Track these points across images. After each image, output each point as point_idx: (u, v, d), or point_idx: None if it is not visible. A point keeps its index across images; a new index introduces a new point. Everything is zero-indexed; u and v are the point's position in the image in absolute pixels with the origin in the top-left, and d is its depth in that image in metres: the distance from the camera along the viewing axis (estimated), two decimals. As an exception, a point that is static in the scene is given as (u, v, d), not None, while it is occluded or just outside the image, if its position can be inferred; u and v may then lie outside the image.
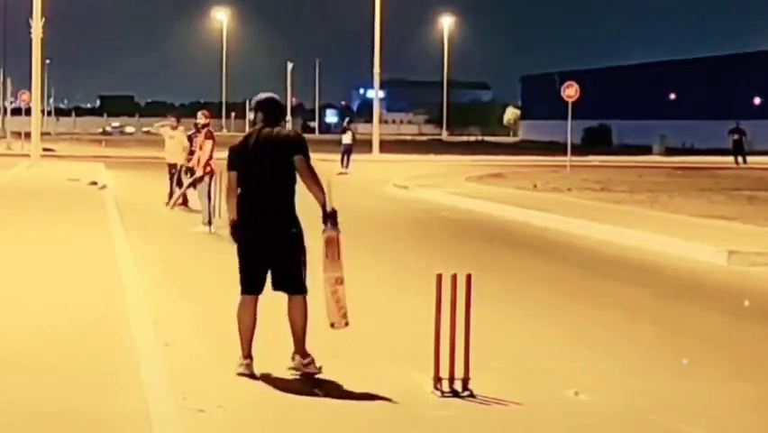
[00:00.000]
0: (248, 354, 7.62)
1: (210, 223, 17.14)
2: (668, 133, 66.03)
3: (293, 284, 7.68)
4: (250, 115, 7.87)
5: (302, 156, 7.60)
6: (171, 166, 22.00)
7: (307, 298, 7.71)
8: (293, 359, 7.67)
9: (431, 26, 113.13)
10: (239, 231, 7.69)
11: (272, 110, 7.83)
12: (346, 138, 38.58)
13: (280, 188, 7.64)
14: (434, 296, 7.20)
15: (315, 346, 7.85)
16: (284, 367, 7.65)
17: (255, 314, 7.68)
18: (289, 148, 7.62)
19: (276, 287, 7.72)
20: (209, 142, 17.53)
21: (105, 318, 9.54)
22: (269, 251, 7.64)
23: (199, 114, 18.45)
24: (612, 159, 50.84)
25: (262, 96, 7.92)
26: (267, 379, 7.51)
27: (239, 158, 7.75)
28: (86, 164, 38.43)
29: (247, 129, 8.00)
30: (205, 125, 17.87)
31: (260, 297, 7.71)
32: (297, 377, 7.56)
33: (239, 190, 7.71)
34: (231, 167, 7.77)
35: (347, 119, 42.97)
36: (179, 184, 20.84)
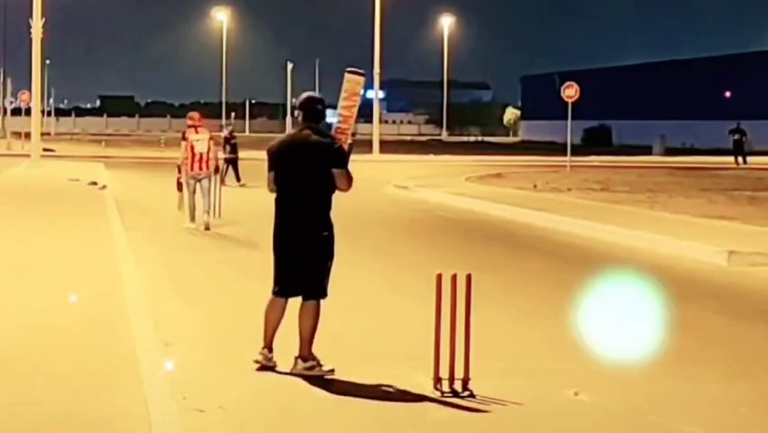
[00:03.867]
0: (266, 346, 7.70)
1: (193, 220, 17.66)
2: (668, 133, 65.94)
3: (311, 289, 7.68)
4: (289, 112, 7.90)
5: (342, 170, 7.65)
6: None
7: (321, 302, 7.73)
8: (295, 363, 7.66)
9: (431, 26, 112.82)
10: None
11: (309, 109, 7.85)
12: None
13: (315, 194, 7.66)
14: (434, 296, 7.21)
15: (314, 346, 7.85)
16: (286, 367, 7.65)
17: (282, 313, 7.74)
18: (328, 160, 7.64)
19: (298, 290, 7.74)
20: (182, 143, 18.02)
21: (105, 318, 9.54)
22: (298, 253, 7.65)
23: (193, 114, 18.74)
24: (612, 159, 50.79)
25: (303, 95, 7.98)
26: (267, 379, 7.52)
27: (274, 160, 7.81)
28: (86, 164, 38.43)
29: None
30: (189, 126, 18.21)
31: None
32: (298, 377, 7.56)
33: (276, 192, 7.80)
34: (270, 168, 7.85)
35: None
36: None
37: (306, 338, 7.65)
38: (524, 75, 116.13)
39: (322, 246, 7.66)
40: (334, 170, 7.63)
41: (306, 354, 7.65)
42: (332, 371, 7.61)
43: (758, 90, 73.34)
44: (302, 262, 7.66)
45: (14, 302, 10.40)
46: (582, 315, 10.53)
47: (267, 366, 7.68)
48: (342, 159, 7.68)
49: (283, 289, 7.74)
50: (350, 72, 8.08)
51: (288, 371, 7.64)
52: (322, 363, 7.64)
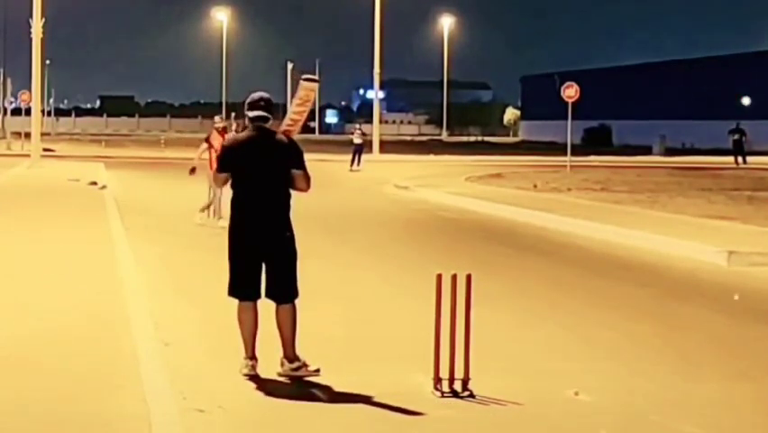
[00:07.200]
0: (252, 355, 7.62)
1: (208, 209, 18.28)
2: (668, 133, 65.94)
3: (283, 292, 7.61)
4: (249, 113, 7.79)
5: (302, 171, 7.64)
6: None
7: (299, 303, 7.67)
8: (282, 364, 7.62)
9: (431, 26, 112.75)
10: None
11: (270, 109, 7.80)
12: (357, 139, 40.48)
13: (279, 195, 7.63)
14: (433, 296, 7.20)
15: (314, 347, 7.86)
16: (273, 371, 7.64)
17: (256, 316, 7.66)
18: (289, 160, 7.63)
19: (266, 294, 7.67)
20: (203, 144, 19.14)
21: (105, 318, 9.54)
22: (264, 256, 7.61)
23: (216, 118, 19.85)
24: (612, 159, 50.82)
25: (263, 95, 7.87)
26: (267, 379, 7.51)
27: (233, 160, 7.69)
28: (86, 164, 38.43)
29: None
30: (225, 128, 19.27)
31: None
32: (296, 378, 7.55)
33: (232, 193, 7.70)
34: (224, 168, 7.76)
35: (357, 125, 44.85)
36: None
37: (289, 340, 7.58)
38: (524, 75, 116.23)
39: (288, 248, 7.63)
40: (295, 171, 7.62)
41: (291, 355, 7.59)
42: (317, 371, 7.56)
43: (758, 90, 73.34)
44: (272, 267, 7.60)
45: (14, 302, 10.40)
46: (582, 314, 10.54)
47: (257, 376, 7.58)
48: (302, 159, 7.68)
49: (248, 293, 7.63)
50: (305, 80, 8.08)
51: (277, 373, 7.58)
52: (308, 363, 7.59)
